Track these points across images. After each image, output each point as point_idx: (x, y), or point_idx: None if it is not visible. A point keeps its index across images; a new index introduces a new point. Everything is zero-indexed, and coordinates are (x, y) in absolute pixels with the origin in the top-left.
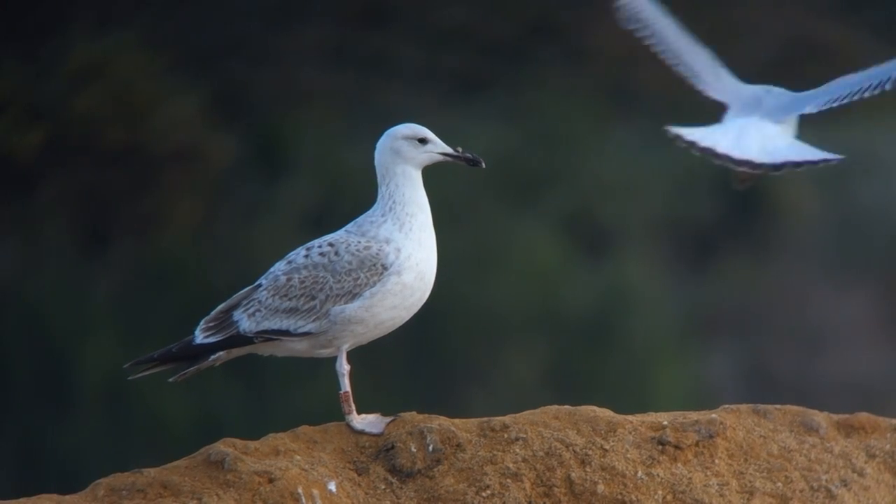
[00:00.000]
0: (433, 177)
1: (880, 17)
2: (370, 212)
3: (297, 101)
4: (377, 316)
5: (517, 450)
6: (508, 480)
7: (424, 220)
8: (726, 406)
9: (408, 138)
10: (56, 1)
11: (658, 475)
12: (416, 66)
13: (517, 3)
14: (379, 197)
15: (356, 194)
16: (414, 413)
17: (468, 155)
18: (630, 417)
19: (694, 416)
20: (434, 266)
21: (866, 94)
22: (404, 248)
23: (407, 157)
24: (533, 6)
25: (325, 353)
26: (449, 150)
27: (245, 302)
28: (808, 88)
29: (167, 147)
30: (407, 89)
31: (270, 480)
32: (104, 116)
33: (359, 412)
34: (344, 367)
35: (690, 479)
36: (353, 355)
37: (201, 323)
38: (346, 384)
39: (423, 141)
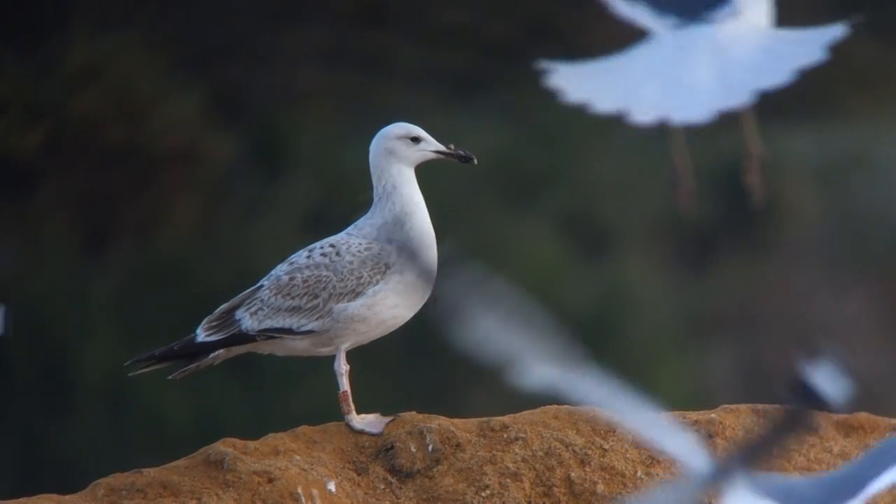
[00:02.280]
0: (432, 176)
1: (880, 17)
2: (369, 213)
3: (297, 101)
4: (379, 315)
5: (517, 450)
6: (508, 480)
7: (423, 218)
8: (725, 406)
9: (401, 138)
10: (56, 1)
11: (658, 475)
12: (416, 66)
13: (517, 3)
14: (376, 198)
15: (356, 194)
16: (414, 413)
17: (460, 152)
18: None
19: (693, 415)
20: (435, 265)
21: None
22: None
23: (401, 156)
24: (533, 6)
25: (325, 351)
26: (441, 147)
27: (247, 301)
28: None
29: (167, 147)
30: (407, 89)
31: (270, 480)
32: (104, 116)
33: (358, 412)
34: (342, 366)
35: None
36: (352, 355)
37: (204, 322)
38: (344, 384)
39: (415, 140)
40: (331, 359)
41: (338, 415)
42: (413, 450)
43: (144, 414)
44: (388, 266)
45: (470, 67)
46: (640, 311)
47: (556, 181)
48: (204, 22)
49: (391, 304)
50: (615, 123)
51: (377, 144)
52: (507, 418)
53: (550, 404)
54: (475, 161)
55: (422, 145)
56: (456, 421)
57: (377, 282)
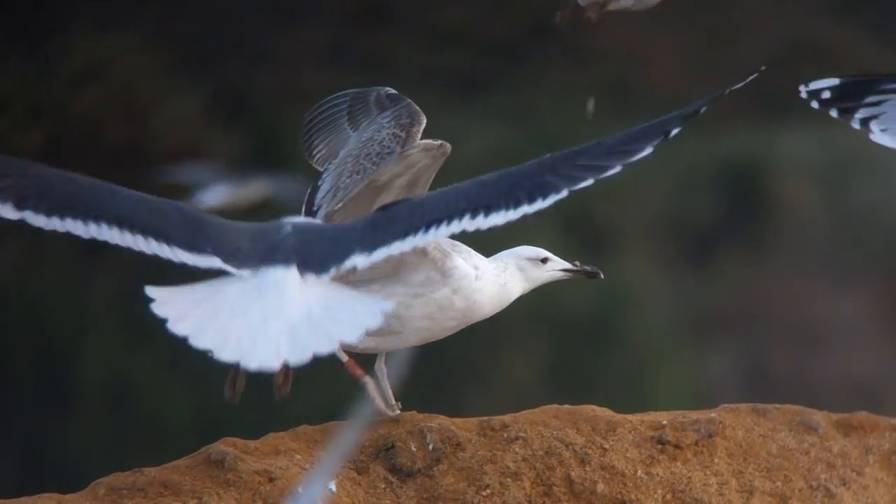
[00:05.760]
0: (435, 176)
1: (880, 17)
2: (483, 262)
3: (298, 101)
4: (412, 321)
5: (517, 449)
6: (508, 479)
7: (507, 297)
8: (725, 405)
9: (531, 259)
10: (58, 1)
11: (657, 474)
12: (416, 66)
13: (517, 2)
14: (498, 262)
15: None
16: (414, 413)
17: (587, 268)
18: (629, 417)
19: (693, 415)
20: (477, 318)
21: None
22: (479, 284)
23: (531, 276)
24: (533, 6)
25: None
26: (567, 265)
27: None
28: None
29: (168, 146)
30: (407, 89)
31: (270, 479)
32: (105, 116)
33: None
34: (344, 357)
35: (690, 478)
36: (353, 355)
37: None
38: (343, 356)
39: (545, 261)
40: (330, 359)
41: (338, 414)
42: (413, 449)
43: (144, 414)
44: (446, 274)
45: (470, 67)
46: (641, 310)
47: None
48: (205, 22)
49: (425, 314)
50: (615, 124)
51: (513, 255)
52: (507, 418)
53: (551, 404)
54: (602, 276)
55: (549, 265)
56: (456, 420)
57: (429, 282)
